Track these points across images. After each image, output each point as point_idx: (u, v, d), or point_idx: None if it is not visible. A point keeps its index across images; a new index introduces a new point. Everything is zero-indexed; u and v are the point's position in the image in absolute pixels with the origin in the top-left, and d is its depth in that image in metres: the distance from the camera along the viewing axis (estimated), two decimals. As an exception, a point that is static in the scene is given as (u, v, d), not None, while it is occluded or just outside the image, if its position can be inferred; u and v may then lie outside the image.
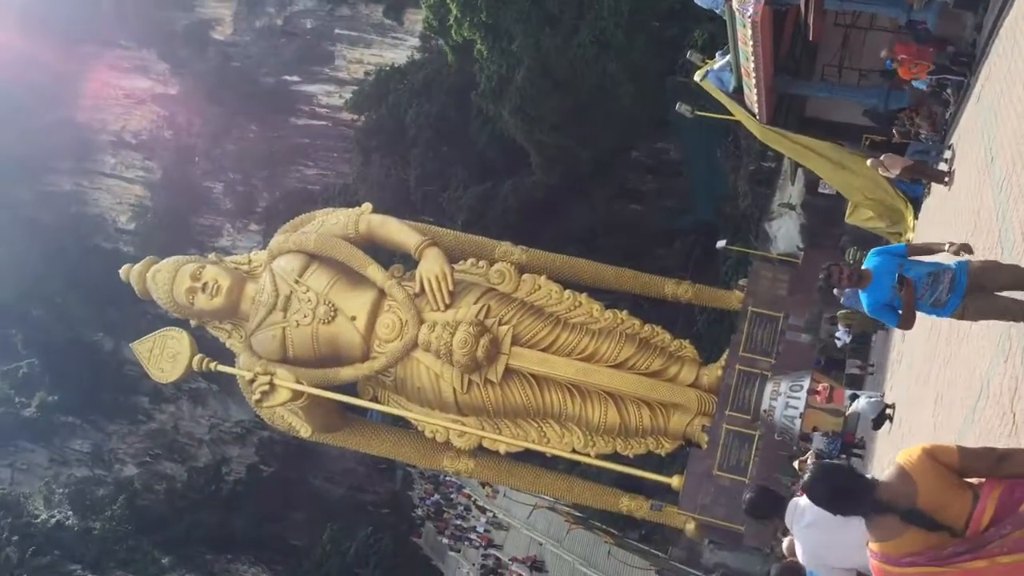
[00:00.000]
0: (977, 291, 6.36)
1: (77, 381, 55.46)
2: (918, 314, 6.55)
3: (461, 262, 27.84)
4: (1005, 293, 6.39)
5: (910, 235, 17.85)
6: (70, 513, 53.92)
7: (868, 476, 3.96)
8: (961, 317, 6.54)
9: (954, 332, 9.23)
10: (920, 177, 15.64)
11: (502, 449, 26.71)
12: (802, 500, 4.84)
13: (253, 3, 53.84)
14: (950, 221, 12.53)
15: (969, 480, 3.66)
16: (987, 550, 3.43)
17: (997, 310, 6.41)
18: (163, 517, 51.58)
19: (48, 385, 57.03)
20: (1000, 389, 6.48)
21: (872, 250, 6.90)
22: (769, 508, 5.27)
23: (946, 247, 6.85)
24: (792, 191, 26.63)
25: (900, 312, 6.51)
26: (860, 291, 6.67)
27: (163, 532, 51.17)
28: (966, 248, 6.81)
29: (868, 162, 15.60)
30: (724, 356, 25.48)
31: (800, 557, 5.04)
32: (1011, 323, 6.44)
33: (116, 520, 50.73)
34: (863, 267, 6.78)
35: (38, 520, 52.41)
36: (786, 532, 14.17)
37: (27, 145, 54.43)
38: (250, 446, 55.08)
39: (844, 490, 3.81)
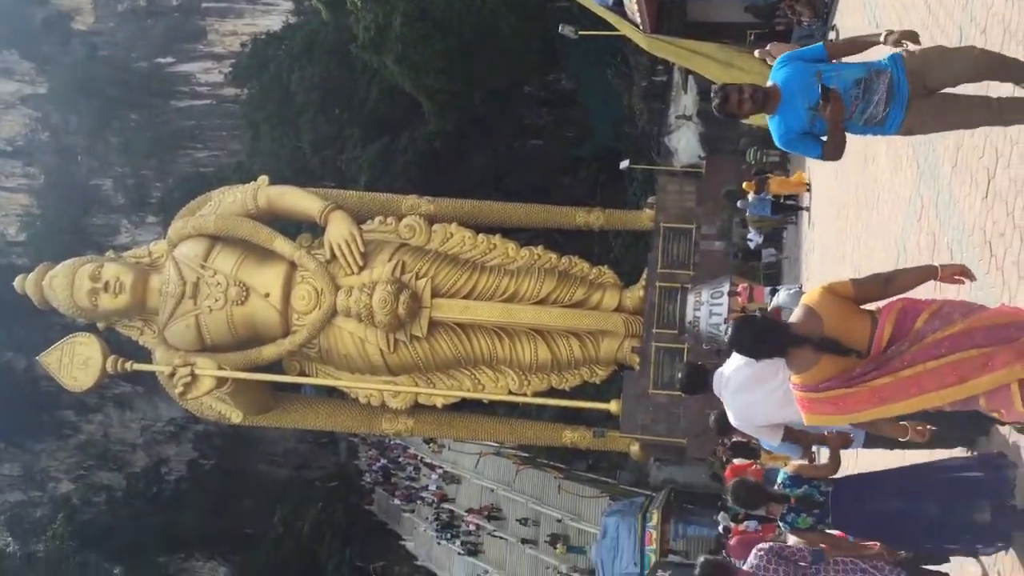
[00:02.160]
0: (923, 95, 4.65)
1: (-7, 406, 53.36)
2: (849, 139, 4.85)
3: (369, 222, 27.30)
4: (959, 89, 4.81)
5: (807, 125, 17.89)
6: (10, 539, 52.26)
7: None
8: (909, 132, 4.85)
9: (863, 205, 9.18)
10: (809, 64, 15.56)
11: (438, 403, 26.53)
12: (727, 369, 5.20)
13: (112, -14, 51.45)
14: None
15: (867, 308, 4.10)
16: (890, 366, 3.84)
17: (956, 113, 4.73)
18: (108, 528, 50.22)
19: (-37, 415, 54.75)
20: (918, 248, 6.38)
21: (779, 57, 5.07)
22: (700, 382, 5.62)
23: (882, 38, 4.88)
24: (686, 101, 26.60)
25: (823, 138, 4.80)
26: (768, 116, 4.91)
27: (111, 543, 49.86)
28: (911, 36, 4.79)
29: (755, 54, 15.44)
30: (644, 276, 25.59)
31: (732, 421, 5.37)
32: (921, 176, 6.28)
33: (59, 539, 49.22)
34: (769, 83, 5.02)
35: (-23, 553, 50.73)
36: (725, 444, 14.24)
37: None
38: (186, 442, 53.90)
39: (763, 333, 4.18)
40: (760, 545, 5.29)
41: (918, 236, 6.44)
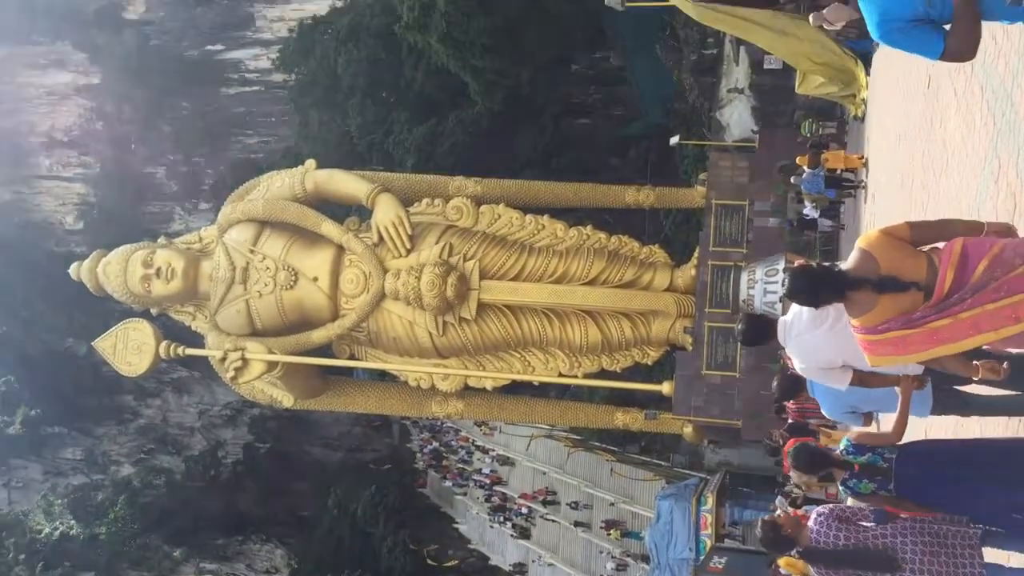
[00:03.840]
0: None
1: (57, 390, 54.41)
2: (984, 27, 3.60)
3: (416, 204, 27.08)
4: None
5: (864, 94, 17.20)
6: (73, 522, 53.26)
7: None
8: None
9: (930, 172, 8.63)
10: (867, 29, 14.91)
11: (488, 385, 26.29)
12: (788, 317, 5.28)
13: (162, -25, 51.91)
14: (909, 69, 11.84)
15: (922, 249, 4.14)
16: (949, 311, 3.90)
17: None
18: (168, 511, 51.09)
19: (28, 399, 55.93)
20: (995, 213, 5.89)
21: None
22: (761, 333, 5.69)
23: None
24: (738, 73, 25.89)
25: (949, 25, 3.46)
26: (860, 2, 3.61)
27: (170, 525, 50.75)
28: None
29: (810, 19, 14.82)
30: (695, 255, 25.02)
31: (797, 368, 5.46)
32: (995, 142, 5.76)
33: (121, 521, 50.15)
34: None
35: (42, 535, 51.72)
36: (784, 419, 13.80)
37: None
38: (242, 426, 54.55)
39: (820, 280, 4.22)
40: (819, 509, 5.20)
41: (995, 199, 5.94)
